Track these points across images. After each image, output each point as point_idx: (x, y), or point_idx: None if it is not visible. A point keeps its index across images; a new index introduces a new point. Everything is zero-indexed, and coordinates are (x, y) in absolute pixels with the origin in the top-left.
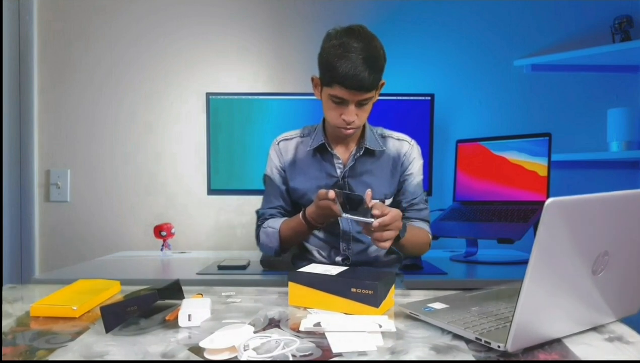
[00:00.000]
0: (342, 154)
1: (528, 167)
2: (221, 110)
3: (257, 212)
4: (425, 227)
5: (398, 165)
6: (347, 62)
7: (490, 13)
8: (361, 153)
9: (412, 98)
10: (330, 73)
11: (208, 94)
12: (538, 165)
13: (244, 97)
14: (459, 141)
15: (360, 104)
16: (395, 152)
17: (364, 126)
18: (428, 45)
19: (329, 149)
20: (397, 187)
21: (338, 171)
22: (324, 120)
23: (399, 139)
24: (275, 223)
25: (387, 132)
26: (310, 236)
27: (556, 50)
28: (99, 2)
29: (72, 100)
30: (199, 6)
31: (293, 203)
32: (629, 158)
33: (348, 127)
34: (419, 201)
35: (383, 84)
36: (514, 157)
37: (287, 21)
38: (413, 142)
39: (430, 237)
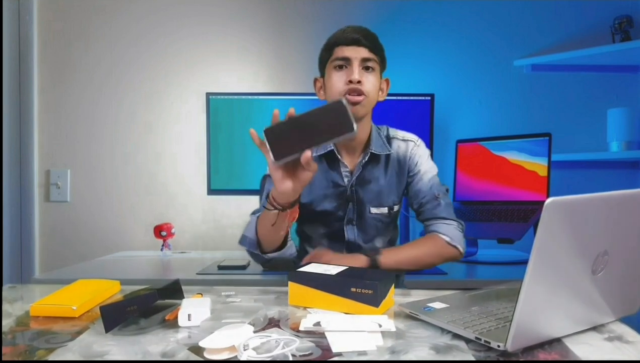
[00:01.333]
0: (350, 162)
1: (528, 167)
2: (221, 110)
3: (252, 213)
4: (442, 229)
5: (404, 167)
6: (346, 28)
7: (490, 13)
8: (367, 159)
9: (412, 98)
10: (330, 42)
11: (208, 94)
12: (538, 165)
13: (244, 97)
14: (459, 141)
15: (365, 68)
16: (401, 154)
17: (370, 129)
18: (428, 45)
19: (338, 156)
20: (404, 190)
21: (345, 180)
22: None
23: (404, 139)
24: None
25: (392, 131)
26: (312, 237)
27: (556, 50)
28: (99, 2)
29: (72, 100)
30: (199, 6)
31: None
32: (629, 158)
33: (355, 87)
34: (429, 200)
35: (388, 81)
36: (514, 157)
37: (287, 21)
38: (419, 141)
39: (449, 239)
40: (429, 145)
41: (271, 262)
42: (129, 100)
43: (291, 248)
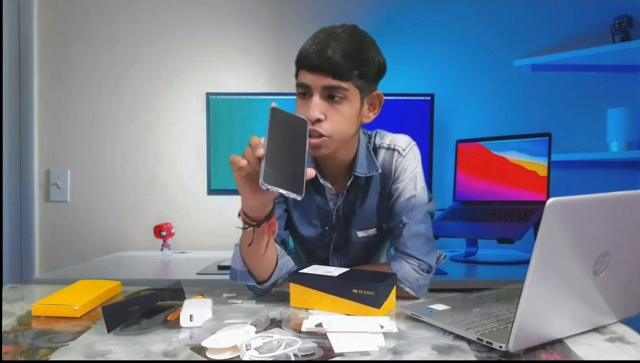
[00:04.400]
0: (335, 184)
1: (528, 167)
2: (221, 110)
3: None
4: (394, 267)
5: (388, 181)
6: (312, 40)
7: (490, 13)
8: (350, 181)
9: (412, 98)
10: (296, 61)
11: (208, 94)
12: (538, 165)
13: (244, 97)
14: (459, 141)
15: (330, 97)
16: (386, 167)
17: (357, 146)
18: (428, 45)
19: (321, 181)
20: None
21: (331, 204)
22: None
23: (389, 148)
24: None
25: (379, 137)
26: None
27: (556, 50)
28: (99, 2)
29: (72, 100)
30: (199, 6)
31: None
32: (629, 158)
33: (311, 128)
34: (395, 225)
35: (380, 96)
36: (514, 157)
37: (287, 21)
38: (408, 148)
39: (397, 281)
40: (429, 145)
41: (270, 290)
42: (129, 100)
43: (287, 264)
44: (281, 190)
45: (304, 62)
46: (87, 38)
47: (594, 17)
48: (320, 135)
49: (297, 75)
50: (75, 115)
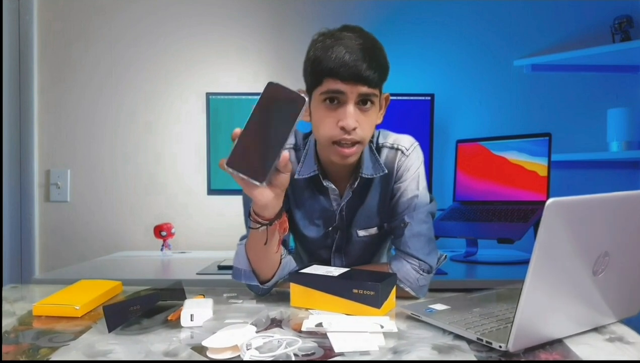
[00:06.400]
0: (339, 185)
1: (528, 167)
2: (221, 110)
3: (241, 239)
4: (395, 267)
5: (391, 181)
6: (339, 48)
7: (490, 13)
8: (356, 184)
9: (412, 98)
10: (318, 68)
11: (208, 94)
12: (538, 165)
13: (244, 97)
14: (459, 141)
15: (362, 105)
16: (389, 166)
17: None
18: (428, 45)
19: (323, 182)
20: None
21: (334, 204)
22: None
23: (392, 147)
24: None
25: (383, 137)
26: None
27: (556, 50)
28: (99, 2)
29: (72, 100)
30: (199, 6)
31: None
32: (629, 158)
33: (348, 138)
34: (397, 225)
35: (388, 97)
36: (514, 157)
37: (287, 21)
38: (411, 148)
39: (398, 281)
40: (429, 145)
41: (271, 290)
42: (129, 100)
43: (289, 264)
44: (242, 175)
45: (337, 73)
46: (87, 38)
47: (594, 17)
48: (354, 143)
49: (317, 82)
50: (75, 115)
